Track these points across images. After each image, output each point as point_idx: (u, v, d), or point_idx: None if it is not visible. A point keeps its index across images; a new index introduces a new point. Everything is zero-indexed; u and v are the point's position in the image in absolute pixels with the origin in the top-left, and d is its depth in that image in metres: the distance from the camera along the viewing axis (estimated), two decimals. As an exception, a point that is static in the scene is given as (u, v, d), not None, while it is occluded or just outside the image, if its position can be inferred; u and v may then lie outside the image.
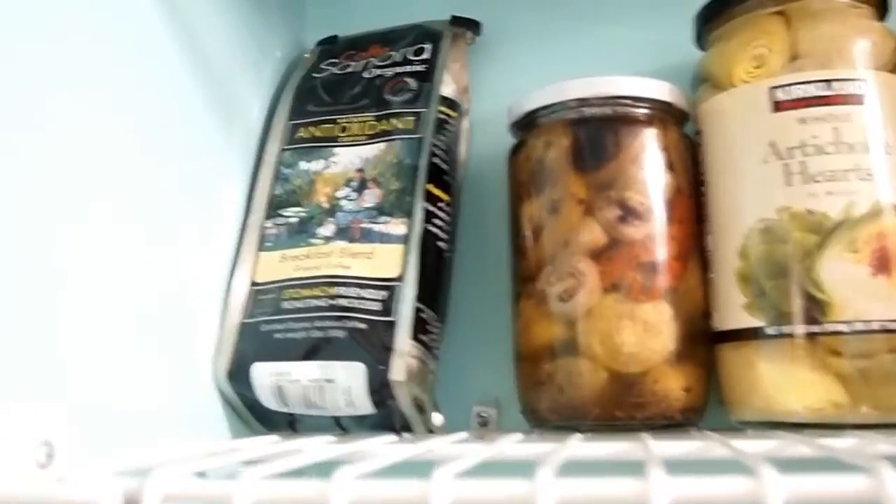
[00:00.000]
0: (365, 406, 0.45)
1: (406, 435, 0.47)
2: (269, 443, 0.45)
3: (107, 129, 0.40)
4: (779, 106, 0.44)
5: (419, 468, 0.33)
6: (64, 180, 0.36)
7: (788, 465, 0.27)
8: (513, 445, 0.40)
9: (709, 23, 0.50)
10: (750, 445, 0.37)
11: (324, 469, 0.32)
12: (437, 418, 0.48)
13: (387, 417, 0.46)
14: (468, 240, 0.56)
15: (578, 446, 0.38)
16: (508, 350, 0.51)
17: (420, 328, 0.46)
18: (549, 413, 0.47)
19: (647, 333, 0.45)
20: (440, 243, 0.50)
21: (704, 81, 0.50)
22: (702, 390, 0.47)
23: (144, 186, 0.42)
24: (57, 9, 0.37)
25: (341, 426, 0.48)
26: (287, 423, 0.49)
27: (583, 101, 0.48)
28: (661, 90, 0.48)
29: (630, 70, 0.50)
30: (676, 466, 0.28)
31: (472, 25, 0.58)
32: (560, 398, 0.46)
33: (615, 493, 0.26)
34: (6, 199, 0.33)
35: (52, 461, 0.34)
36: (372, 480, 0.28)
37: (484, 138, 0.58)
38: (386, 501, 0.28)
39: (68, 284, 0.36)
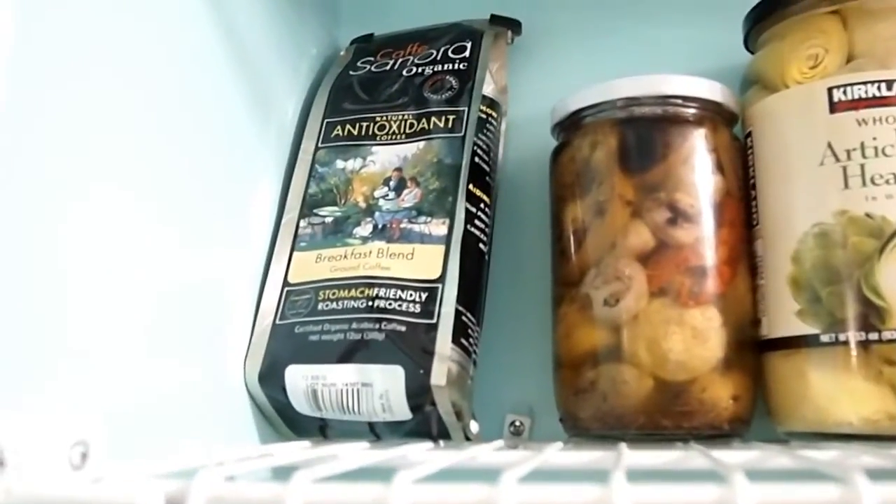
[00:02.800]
0: (402, 411, 0.44)
1: (442, 442, 0.45)
2: (302, 448, 0.44)
3: (141, 125, 0.38)
4: (836, 107, 0.43)
5: (466, 476, 0.31)
6: (98, 178, 0.35)
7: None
8: (560, 453, 0.39)
9: (760, 23, 0.48)
10: (811, 455, 0.36)
11: (362, 475, 0.30)
12: (473, 426, 0.46)
13: (423, 424, 0.45)
14: (503, 243, 0.55)
15: (634, 454, 0.36)
16: (541, 357, 0.50)
17: (461, 332, 0.45)
18: (591, 421, 0.45)
19: (695, 340, 0.43)
20: (481, 245, 0.48)
21: (755, 83, 0.48)
22: (750, 400, 0.45)
23: (178, 184, 0.41)
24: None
25: (375, 432, 0.46)
26: (318, 429, 0.47)
27: (632, 101, 0.47)
28: (712, 90, 0.47)
29: (672, 72, 0.48)
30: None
31: (513, 25, 0.57)
32: (603, 406, 0.44)
33: (696, 499, 0.25)
34: (39, 197, 0.32)
35: (86, 462, 0.33)
36: (432, 484, 0.27)
37: (521, 140, 0.57)
38: (449, 505, 0.26)
39: (101, 284, 0.35)
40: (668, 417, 0.43)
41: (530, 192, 0.55)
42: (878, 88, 0.43)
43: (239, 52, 0.47)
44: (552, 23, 0.59)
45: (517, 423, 0.54)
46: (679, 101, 0.47)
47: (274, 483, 0.28)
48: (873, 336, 0.41)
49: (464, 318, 0.45)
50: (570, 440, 0.48)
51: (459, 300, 0.45)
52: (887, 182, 0.41)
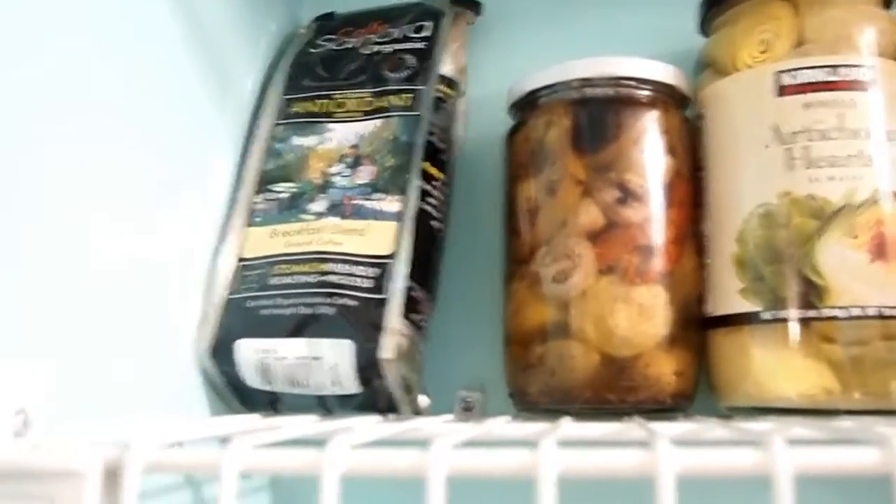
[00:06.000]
0: (351, 385, 0.44)
1: (392, 416, 0.46)
2: (250, 420, 0.44)
3: (95, 100, 0.38)
4: (784, 90, 0.44)
5: (409, 446, 0.32)
6: (52, 149, 0.35)
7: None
8: (505, 425, 0.39)
9: (713, 8, 0.49)
10: (753, 426, 0.37)
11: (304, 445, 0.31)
12: (423, 400, 0.47)
13: (372, 398, 0.45)
14: (460, 222, 0.56)
15: (574, 426, 0.37)
16: (495, 334, 0.50)
17: (411, 307, 0.45)
18: (538, 396, 0.46)
19: (641, 317, 0.44)
20: (434, 222, 0.49)
21: (707, 67, 0.49)
22: (693, 376, 0.46)
23: (132, 158, 0.41)
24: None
25: (325, 407, 0.47)
26: (269, 403, 0.48)
27: (585, 82, 0.47)
28: (665, 72, 0.48)
29: (630, 55, 0.49)
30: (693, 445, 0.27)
31: (474, 5, 0.57)
32: (551, 381, 0.45)
33: (621, 463, 0.26)
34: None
35: (27, 430, 0.33)
36: (368, 450, 0.28)
37: (480, 120, 0.57)
38: (383, 470, 0.27)
39: (52, 250, 0.35)
40: (613, 392, 0.44)
41: (488, 172, 0.55)
42: (825, 73, 0.43)
43: (196, 29, 0.47)
44: (513, 5, 0.60)
45: (469, 400, 0.54)
46: (632, 83, 0.47)
47: (212, 448, 0.28)
48: (812, 314, 0.42)
49: (415, 293, 0.46)
50: (519, 415, 0.48)
51: (411, 276, 0.45)
52: (829, 165, 0.42)
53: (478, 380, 0.54)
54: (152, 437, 0.29)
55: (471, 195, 0.56)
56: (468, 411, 0.54)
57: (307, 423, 0.41)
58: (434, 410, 0.48)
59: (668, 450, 0.25)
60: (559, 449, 0.26)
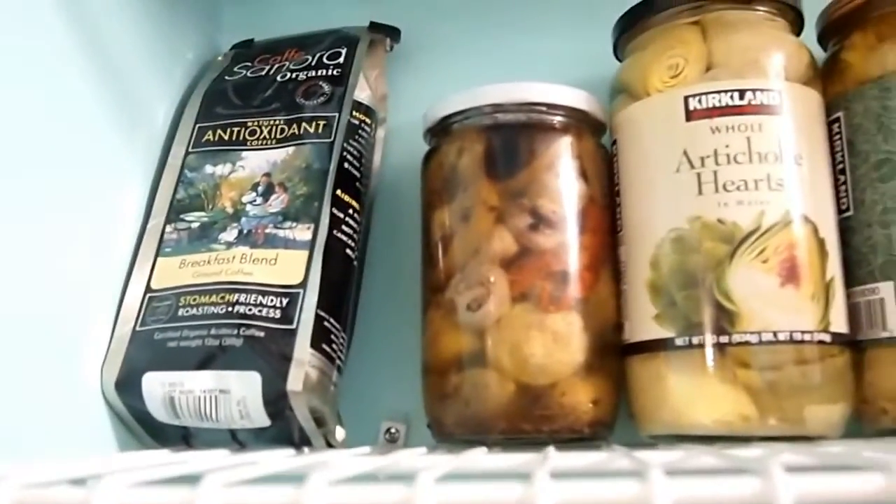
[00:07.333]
0: (260, 418, 0.43)
1: (306, 449, 0.45)
2: (152, 456, 0.43)
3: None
4: (692, 115, 0.44)
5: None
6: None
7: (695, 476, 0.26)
8: (409, 458, 0.38)
9: (626, 33, 0.49)
10: (655, 457, 0.36)
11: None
12: (339, 433, 0.46)
13: (284, 431, 0.44)
14: (381, 252, 0.55)
15: (473, 458, 0.36)
16: (418, 364, 0.49)
17: (322, 337, 0.44)
18: (454, 427, 0.45)
19: (556, 345, 0.44)
20: (349, 251, 0.48)
21: (621, 92, 0.49)
22: (611, 404, 0.46)
23: (35, 187, 0.40)
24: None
25: (238, 441, 0.45)
26: (181, 438, 0.46)
27: (497, 107, 0.47)
28: (577, 98, 0.48)
29: (551, 81, 0.49)
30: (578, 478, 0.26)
31: (391, 32, 0.57)
32: (466, 411, 0.44)
33: (500, 497, 0.25)
34: None
35: None
36: (243, 487, 0.27)
37: (401, 148, 0.57)
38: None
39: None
40: (529, 421, 0.43)
41: (408, 200, 0.54)
42: (732, 97, 0.43)
43: (105, 58, 0.46)
44: (433, 32, 0.59)
45: (393, 430, 0.53)
46: (543, 109, 0.47)
47: (80, 488, 0.27)
48: (724, 339, 0.41)
49: (326, 323, 0.45)
50: (437, 446, 0.47)
51: (321, 305, 0.44)
52: (738, 189, 0.42)
53: (400, 410, 0.54)
54: (23, 474, 0.27)
55: (393, 225, 0.56)
56: (392, 442, 0.53)
57: (198, 460, 0.39)
58: (360, 442, 0.47)
59: (545, 484, 0.24)
60: (437, 484, 0.25)
